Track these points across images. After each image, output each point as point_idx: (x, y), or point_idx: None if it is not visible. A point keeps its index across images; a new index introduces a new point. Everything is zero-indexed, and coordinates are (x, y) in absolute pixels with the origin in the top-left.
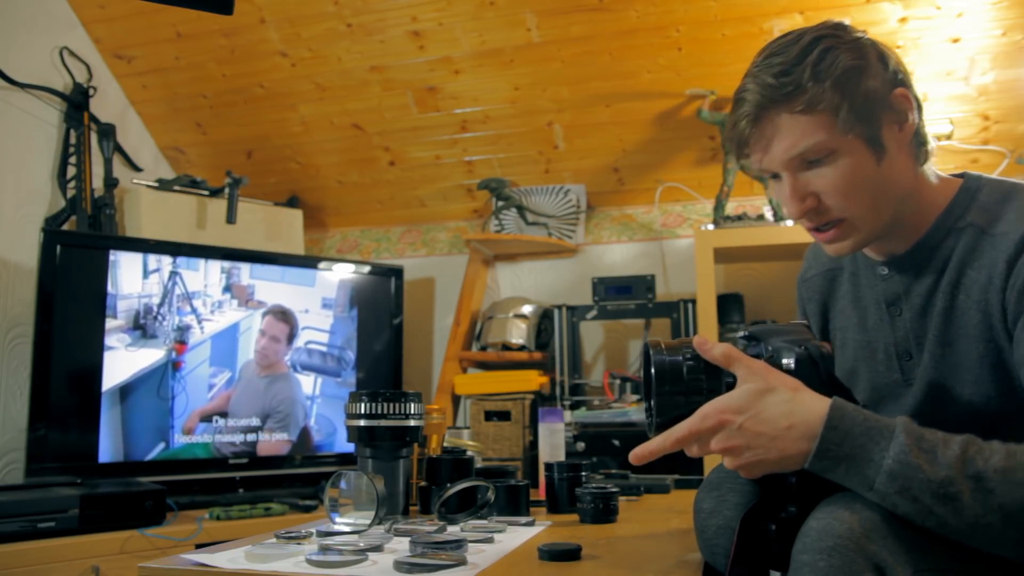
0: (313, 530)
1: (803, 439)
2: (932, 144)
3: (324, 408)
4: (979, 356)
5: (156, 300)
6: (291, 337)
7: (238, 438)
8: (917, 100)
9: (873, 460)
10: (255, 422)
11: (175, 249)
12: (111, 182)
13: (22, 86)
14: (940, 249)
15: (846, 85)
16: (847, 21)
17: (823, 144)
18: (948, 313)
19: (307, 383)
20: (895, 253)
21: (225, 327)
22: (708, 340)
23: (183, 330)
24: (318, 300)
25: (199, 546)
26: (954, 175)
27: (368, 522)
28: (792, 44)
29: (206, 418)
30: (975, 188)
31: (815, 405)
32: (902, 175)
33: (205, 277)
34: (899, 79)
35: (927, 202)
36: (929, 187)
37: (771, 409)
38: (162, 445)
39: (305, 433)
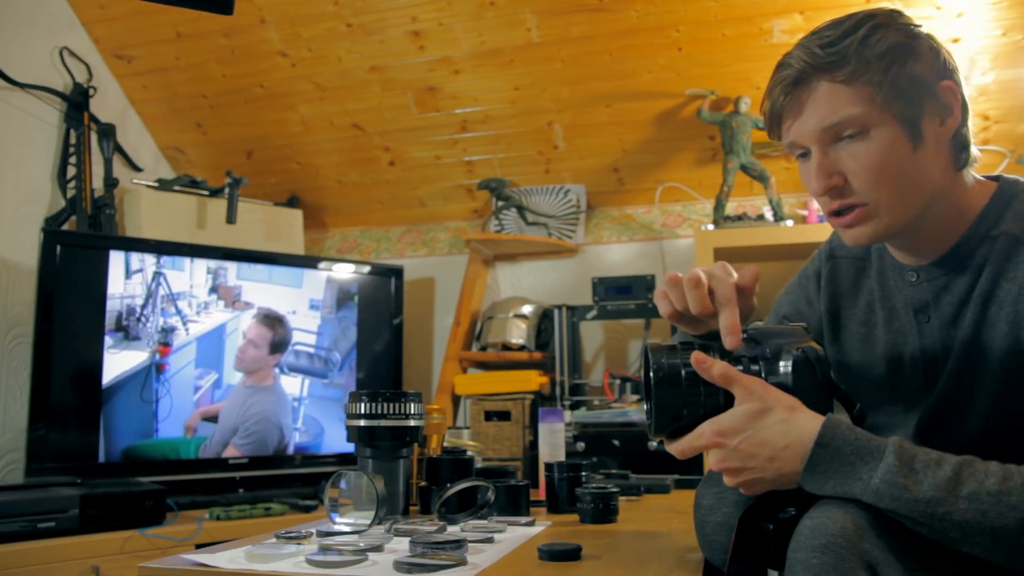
0: (313, 530)
1: (798, 458)
2: (975, 152)
3: (312, 409)
4: (1003, 370)
5: (139, 301)
6: (278, 344)
7: (214, 451)
8: (964, 101)
9: (861, 479)
10: (227, 436)
11: (175, 249)
12: (111, 182)
13: (22, 86)
14: (973, 258)
15: (892, 63)
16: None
17: (859, 118)
18: (979, 325)
19: (295, 385)
20: (924, 259)
21: (211, 328)
22: (707, 359)
23: (167, 332)
24: (305, 301)
25: (199, 546)
26: (989, 178)
27: (368, 522)
28: (844, 21)
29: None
30: (1010, 194)
31: (810, 424)
32: (937, 171)
33: (191, 278)
34: (948, 73)
35: (960, 207)
36: (964, 192)
37: (767, 430)
38: None
39: (281, 450)
